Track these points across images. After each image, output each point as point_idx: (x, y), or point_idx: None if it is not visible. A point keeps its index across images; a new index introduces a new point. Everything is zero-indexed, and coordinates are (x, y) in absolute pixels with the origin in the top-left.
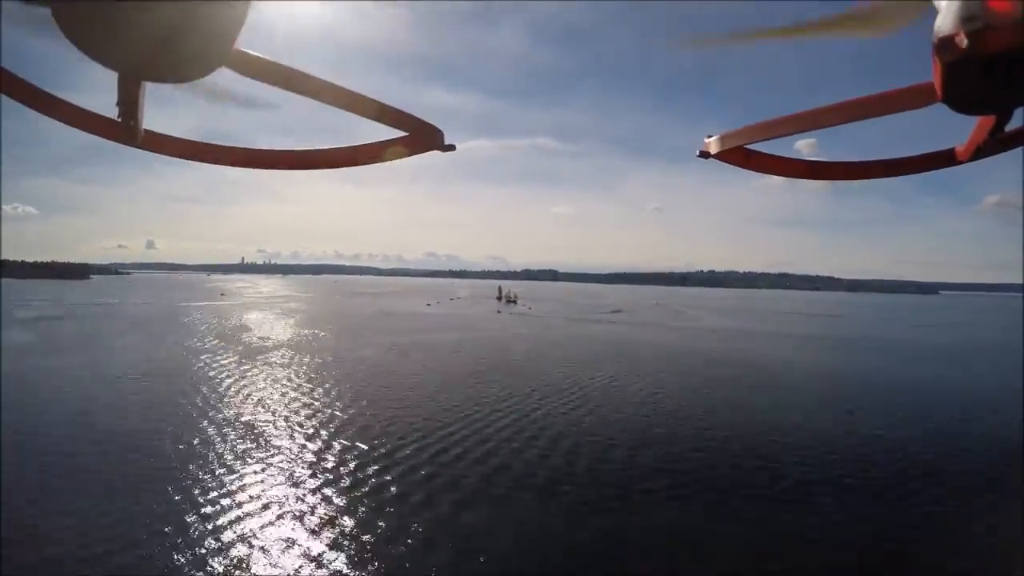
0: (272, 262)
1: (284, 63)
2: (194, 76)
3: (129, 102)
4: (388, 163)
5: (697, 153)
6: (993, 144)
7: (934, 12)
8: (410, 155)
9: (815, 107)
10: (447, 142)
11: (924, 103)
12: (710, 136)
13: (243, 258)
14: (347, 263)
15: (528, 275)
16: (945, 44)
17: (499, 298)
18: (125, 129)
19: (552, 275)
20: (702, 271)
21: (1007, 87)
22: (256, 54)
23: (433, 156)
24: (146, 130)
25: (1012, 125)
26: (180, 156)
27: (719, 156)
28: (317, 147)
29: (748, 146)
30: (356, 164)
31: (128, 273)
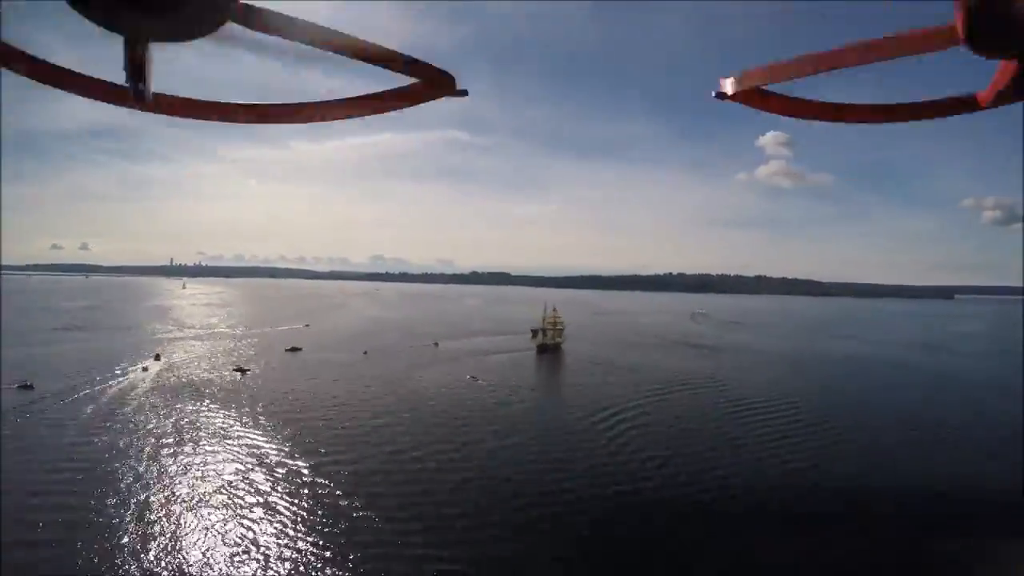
0: (203, 264)
1: (289, 13)
2: (200, 33)
3: (136, 65)
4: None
5: (713, 94)
6: (1015, 91)
7: None
8: (423, 102)
9: (835, 47)
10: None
11: (946, 45)
12: (727, 76)
13: (172, 259)
14: (292, 266)
15: (477, 279)
16: None
17: (538, 341)
18: (134, 93)
19: (505, 278)
20: (671, 273)
21: None
22: (261, 6)
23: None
24: (155, 93)
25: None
26: (191, 116)
27: (735, 97)
28: (328, 99)
29: (765, 87)
30: (371, 113)
31: None
